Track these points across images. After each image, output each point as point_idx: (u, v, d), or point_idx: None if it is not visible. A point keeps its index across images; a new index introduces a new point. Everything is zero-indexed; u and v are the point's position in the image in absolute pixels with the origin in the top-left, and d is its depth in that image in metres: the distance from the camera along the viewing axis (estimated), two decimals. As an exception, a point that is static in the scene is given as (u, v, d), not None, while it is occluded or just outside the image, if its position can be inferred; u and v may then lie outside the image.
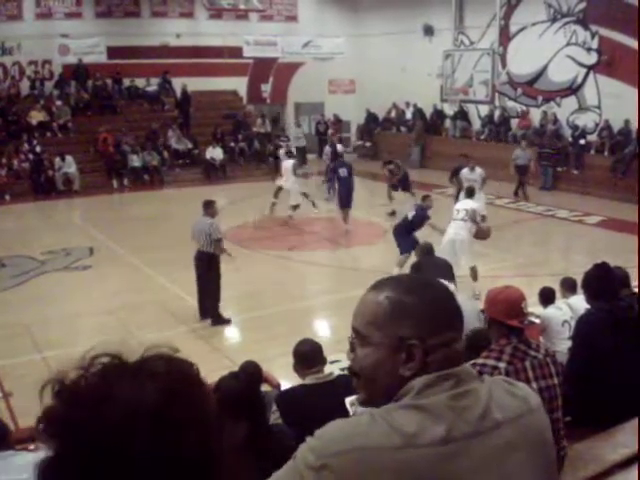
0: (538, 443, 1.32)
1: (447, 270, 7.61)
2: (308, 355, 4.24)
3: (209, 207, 8.93)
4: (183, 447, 0.87)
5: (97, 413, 0.86)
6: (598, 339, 3.96)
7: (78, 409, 0.87)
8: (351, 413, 3.56)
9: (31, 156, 18.29)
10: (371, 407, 1.31)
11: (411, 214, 10.45)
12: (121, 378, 0.90)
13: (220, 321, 8.86)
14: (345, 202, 14.04)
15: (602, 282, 4.26)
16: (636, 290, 6.30)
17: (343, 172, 14.29)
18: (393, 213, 14.50)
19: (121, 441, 0.85)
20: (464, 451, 1.22)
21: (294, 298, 10.09)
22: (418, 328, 1.30)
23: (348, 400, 3.72)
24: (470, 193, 10.70)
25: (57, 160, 18.18)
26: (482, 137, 20.67)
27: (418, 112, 22.63)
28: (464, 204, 10.16)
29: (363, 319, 1.36)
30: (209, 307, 8.87)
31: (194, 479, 0.89)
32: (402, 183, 15.10)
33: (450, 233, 9.81)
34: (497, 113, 20.59)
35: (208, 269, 8.74)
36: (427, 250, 8.04)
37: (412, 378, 1.29)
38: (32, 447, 4.92)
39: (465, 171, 13.54)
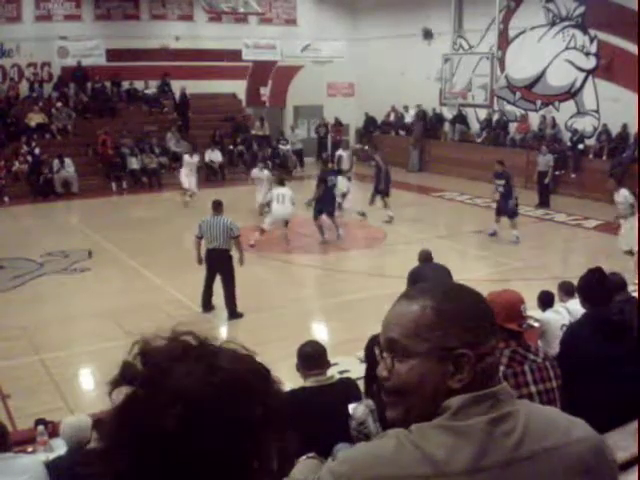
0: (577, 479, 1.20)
1: (446, 277, 7.58)
2: (311, 357, 4.25)
3: (220, 206, 9.31)
4: (206, 445, 0.89)
5: (152, 383, 0.93)
6: (585, 347, 3.96)
7: (146, 371, 0.95)
8: (353, 421, 3.55)
9: (30, 158, 18.29)
10: (402, 427, 1.22)
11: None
12: (183, 360, 0.94)
13: (236, 315, 9.18)
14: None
15: (596, 287, 4.28)
16: (634, 294, 6.32)
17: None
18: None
19: (156, 420, 0.89)
20: None
21: (292, 300, 10.09)
22: (466, 337, 1.23)
23: (351, 407, 3.72)
24: None
25: (56, 162, 18.17)
26: (480, 141, 20.69)
27: (421, 113, 22.46)
28: None
29: (403, 331, 1.26)
30: (229, 302, 9.17)
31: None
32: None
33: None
34: (496, 117, 20.62)
35: (227, 266, 9.09)
36: (425, 257, 8.00)
37: (461, 390, 1.21)
38: (30, 449, 4.93)
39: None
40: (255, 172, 15.58)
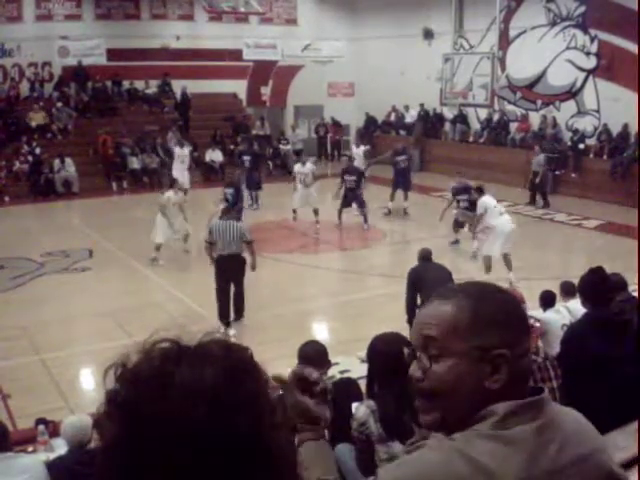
0: None
1: (447, 276, 7.54)
2: (311, 356, 4.26)
3: (229, 211, 9.39)
4: (237, 425, 0.90)
5: (158, 395, 0.89)
6: (585, 347, 3.96)
7: (140, 391, 0.91)
8: (356, 419, 3.55)
9: (30, 158, 18.29)
10: (441, 431, 1.21)
11: None
12: (181, 362, 0.93)
13: (240, 316, 9.09)
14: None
15: (597, 287, 4.27)
16: (635, 294, 6.32)
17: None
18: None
19: (179, 421, 0.88)
20: None
21: (293, 300, 10.08)
22: (503, 336, 1.21)
23: (353, 407, 3.72)
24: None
25: (56, 162, 18.17)
26: (481, 141, 20.69)
27: (423, 112, 22.44)
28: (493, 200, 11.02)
29: (440, 329, 1.24)
30: (239, 303, 8.98)
31: (246, 455, 0.91)
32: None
33: (507, 225, 10.62)
34: (496, 117, 20.61)
35: (242, 270, 8.89)
36: (425, 256, 7.93)
37: (498, 392, 1.19)
38: (31, 449, 4.94)
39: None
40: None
